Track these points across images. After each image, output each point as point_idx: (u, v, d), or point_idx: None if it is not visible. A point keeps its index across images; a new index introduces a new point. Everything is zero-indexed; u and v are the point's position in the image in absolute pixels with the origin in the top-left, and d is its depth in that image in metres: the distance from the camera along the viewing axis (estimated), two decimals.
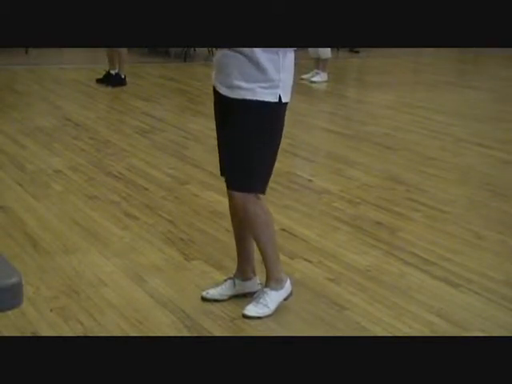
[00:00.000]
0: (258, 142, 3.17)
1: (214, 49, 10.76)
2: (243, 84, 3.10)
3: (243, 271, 3.47)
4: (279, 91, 3.14)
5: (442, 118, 7.64)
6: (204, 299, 3.45)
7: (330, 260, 4.00)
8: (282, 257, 3.98)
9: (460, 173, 5.77)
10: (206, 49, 10.95)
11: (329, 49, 9.14)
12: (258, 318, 3.31)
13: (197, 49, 10.87)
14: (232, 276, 3.49)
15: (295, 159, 6.07)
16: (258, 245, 3.38)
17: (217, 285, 3.50)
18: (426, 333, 3.29)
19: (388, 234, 4.42)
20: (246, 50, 3.05)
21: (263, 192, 3.29)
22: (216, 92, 3.26)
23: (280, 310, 3.43)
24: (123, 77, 8.48)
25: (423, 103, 8.40)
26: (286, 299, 3.42)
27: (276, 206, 4.70)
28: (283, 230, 4.36)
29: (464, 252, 4.20)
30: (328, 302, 3.53)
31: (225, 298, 3.44)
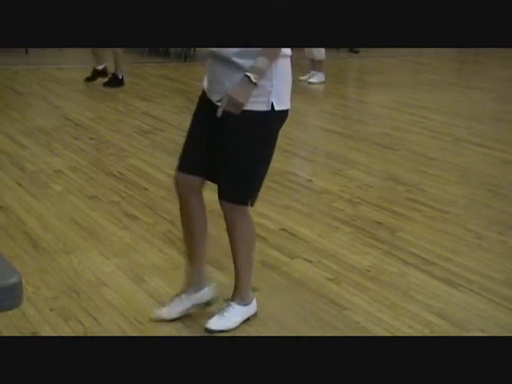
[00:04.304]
0: (252, 153, 3.05)
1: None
2: None
3: (194, 281, 3.31)
4: (271, 98, 2.98)
5: (442, 118, 7.64)
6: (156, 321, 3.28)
7: (329, 260, 4.01)
8: (282, 257, 4.00)
9: (460, 173, 5.77)
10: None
11: (323, 50, 9.13)
12: (221, 331, 3.19)
13: (197, 49, 10.86)
14: (179, 293, 3.33)
15: (295, 159, 6.07)
16: (234, 257, 3.27)
17: (164, 305, 3.33)
18: (426, 333, 3.30)
19: (388, 233, 4.42)
20: (233, 56, 2.94)
21: (253, 204, 3.18)
22: (207, 100, 3.14)
23: (280, 310, 3.43)
24: (121, 77, 8.41)
25: (423, 103, 8.40)
26: (249, 318, 3.30)
27: (276, 205, 4.71)
28: (283, 229, 4.37)
29: (464, 252, 4.20)
30: (328, 302, 3.53)
31: (177, 315, 3.28)
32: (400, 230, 4.49)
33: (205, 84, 3.19)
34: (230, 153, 3.08)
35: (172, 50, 11.12)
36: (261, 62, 2.90)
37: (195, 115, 3.26)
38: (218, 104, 3.01)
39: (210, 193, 4.93)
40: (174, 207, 4.72)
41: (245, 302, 3.30)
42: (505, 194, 5.28)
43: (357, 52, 12.22)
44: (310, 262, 3.97)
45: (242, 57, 2.95)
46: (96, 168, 5.45)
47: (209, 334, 3.18)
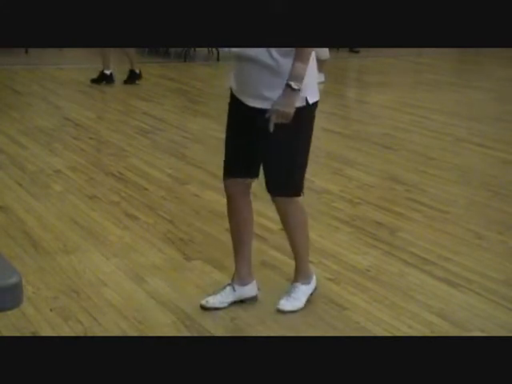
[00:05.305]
0: (294, 147, 3.21)
1: (213, 49, 10.80)
2: (268, 93, 3.07)
3: (242, 276, 3.45)
4: (305, 94, 3.10)
5: (442, 118, 7.64)
6: (204, 308, 3.39)
7: (329, 260, 4.01)
8: (282, 257, 3.99)
9: (460, 173, 5.77)
10: (206, 49, 10.95)
11: (327, 50, 9.13)
12: (293, 312, 3.37)
13: (197, 49, 10.87)
14: (230, 282, 3.46)
15: None
16: (292, 243, 3.45)
17: (215, 292, 3.45)
18: (426, 333, 3.29)
19: (388, 234, 4.42)
20: (262, 57, 3.04)
21: (302, 193, 3.34)
22: (238, 101, 3.22)
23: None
24: (138, 72, 8.57)
25: (423, 103, 8.40)
26: (311, 294, 3.48)
27: None
28: (283, 230, 4.36)
29: (464, 252, 4.20)
30: (328, 302, 3.53)
31: (225, 305, 3.41)
32: (400, 229, 4.49)
33: (233, 85, 3.26)
34: (275, 152, 3.20)
35: (172, 49, 11.13)
36: (298, 67, 3.03)
37: (229, 119, 3.35)
38: (251, 105, 3.15)
39: (209, 193, 4.95)
40: (174, 207, 4.73)
41: (307, 281, 3.48)
42: (505, 193, 5.28)
43: (357, 52, 12.22)
44: (310, 262, 3.97)
45: (269, 56, 3.04)
46: (96, 168, 5.45)
47: (281, 315, 3.36)
